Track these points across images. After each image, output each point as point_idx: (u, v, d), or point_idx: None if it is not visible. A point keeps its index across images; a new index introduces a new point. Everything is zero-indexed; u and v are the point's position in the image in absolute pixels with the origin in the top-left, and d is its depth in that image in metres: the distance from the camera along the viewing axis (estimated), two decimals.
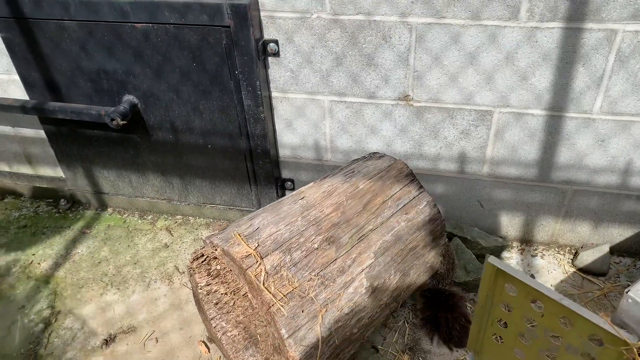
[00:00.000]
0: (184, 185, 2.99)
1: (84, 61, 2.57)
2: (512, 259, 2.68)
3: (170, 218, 3.15)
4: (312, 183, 2.24)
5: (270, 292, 1.74)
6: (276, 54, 2.38)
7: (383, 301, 1.99)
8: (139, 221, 3.16)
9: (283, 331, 1.71)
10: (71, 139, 2.95)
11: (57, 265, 2.90)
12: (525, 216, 2.59)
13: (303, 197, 2.09)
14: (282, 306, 1.74)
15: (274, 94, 2.54)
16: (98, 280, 2.76)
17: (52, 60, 2.61)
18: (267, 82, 2.49)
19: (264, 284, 1.75)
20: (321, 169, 2.80)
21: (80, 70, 2.61)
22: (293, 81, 2.46)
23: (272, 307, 1.73)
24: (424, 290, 2.31)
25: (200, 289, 2.11)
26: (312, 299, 1.80)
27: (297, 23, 2.25)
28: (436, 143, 2.50)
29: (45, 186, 3.28)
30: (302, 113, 2.60)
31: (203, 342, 2.38)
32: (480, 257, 2.56)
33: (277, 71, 2.44)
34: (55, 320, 2.58)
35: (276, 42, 2.34)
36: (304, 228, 1.93)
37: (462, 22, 2.09)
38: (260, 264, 1.80)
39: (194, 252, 2.02)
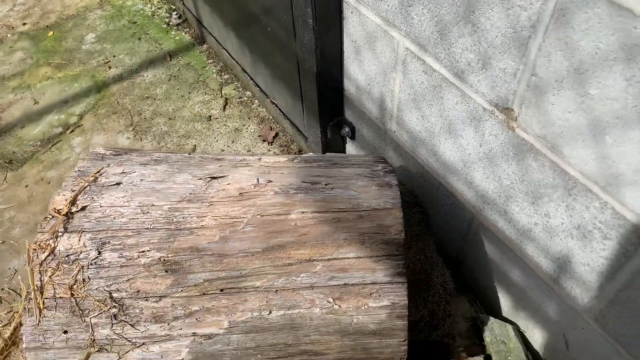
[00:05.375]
0: (253, 61, 2.33)
1: None
2: None
3: (239, 90, 2.59)
4: (258, 157, 1.39)
5: (37, 281, 1.16)
6: None
7: None
8: (214, 76, 2.68)
9: (23, 338, 1.16)
10: None
11: (120, 78, 2.71)
12: None
13: (217, 177, 1.30)
14: (39, 304, 1.16)
15: None
16: (128, 116, 2.50)
17: None
18: None
19: (40, 266, 1.17)
20: (383, 138, 1.81)
21: None
22: None
23: (30, 301, 1.17)
24: None
25: None
26: (89, 325, 1.16)
27: None
28: (532, 212, 1.29)
29: None
30: (372, 46, 1.57)
31: None
32: None
33: None
34: (71, 132, 2.46)
35: None
36: (149, 226, 1.20)
37: None
38: (56, 235, 1.19)
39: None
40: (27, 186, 2.21)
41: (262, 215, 1.20)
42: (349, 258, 1.18)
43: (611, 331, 1.22)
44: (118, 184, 1.28)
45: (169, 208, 1.22)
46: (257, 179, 1.27)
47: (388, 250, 1.18)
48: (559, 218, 1.21)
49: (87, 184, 1.28)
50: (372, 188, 1.26)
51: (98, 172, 1.33)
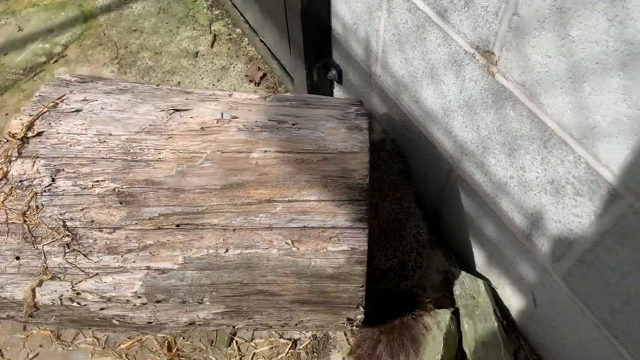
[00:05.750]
0: None
1: None
2: None
3: (229, 27, 2.49)
4: (229, 93, 1.33)
5: None
6: None
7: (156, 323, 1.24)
8: (204, 11, 2.57)
9: None
10: None
11: (108, 9, 2.60)
12: None
13: (186, 109, 1.24)
14: None
15: None
16: (114, 48, 2.41)
17: None
18: None
19: None
20: (368, 83, 1.73)
21: None
22: None
23: None
24: None
25: None
26: (41, 252, 1.14)
27: None
28: (508, 165, 1.23)
29: None
30: None
31: None
32: None
33: None
34: (55, 62, 2.39)
35: None
36: (105, 155, 1.15)
37: None
38: (9, 160, 1.15)
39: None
40: (6, 114, 2.17)
41: (223, 152, 1.15)
42: (310, 201, 1.14)
43: (577, 290, 1.19)
44: (78, 111, 1.23)
45: (126, 138, 1.17)
46: (222, 114, 1.21)
47: (351, 195, 1.13)
48: (534, 172, 1.15)
49: (46, 109, 1.23)
50: (341, 130, 1.20)
51: (59, 98, 1.27)
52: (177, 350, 1.60)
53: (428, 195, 1.71)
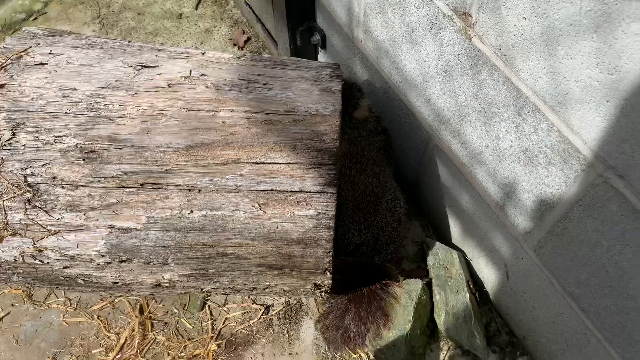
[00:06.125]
0: None
1: None
2: None
3: None
4: (202, 51, 1.28)
5: None
6: None
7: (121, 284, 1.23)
8: None
9: None
10: None
11: None
12: None
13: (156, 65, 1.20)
14: None
15: None
16: (96, 7, 2.34)
17: None
18: None
19: None
20: (351, 49, 1.68)
21: None
22: None
23: None
24: None
25: None
26: (1, 208, 1.12)
27: None
28: (483, 133, 1.21)
29: None
30: None
31: None
32: None
33: None
34: (34, 19, 2.32)
35: None
36: (68, 110, 1.12)
37: None
38: None
39: None
40: None
41: (189, 110, 1.11)
42: (278, 163, 1.11)
43: (547, 262, 1.18)
44: (42, 64, 1.19)
45: (91, 94, 1.13)
46: (190, 71, 1.17)
47: (320, 159, 1.11)
48: (508, 140, 1.12)
49: (9, 61, 1.18)
50: (314, 92, 1.17)
51: (24, 50, 1.23)
52: (149, 313, 1.60)
53: (407, 166, 1.69)
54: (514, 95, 1.04)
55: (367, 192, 1.50)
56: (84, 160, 1.10)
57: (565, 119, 0.93)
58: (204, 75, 1.17)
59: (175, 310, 1.60)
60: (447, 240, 1.66)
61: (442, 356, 1.48)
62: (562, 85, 0.90)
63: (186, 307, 1.61)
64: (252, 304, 1.61)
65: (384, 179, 1.55)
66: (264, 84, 1.17)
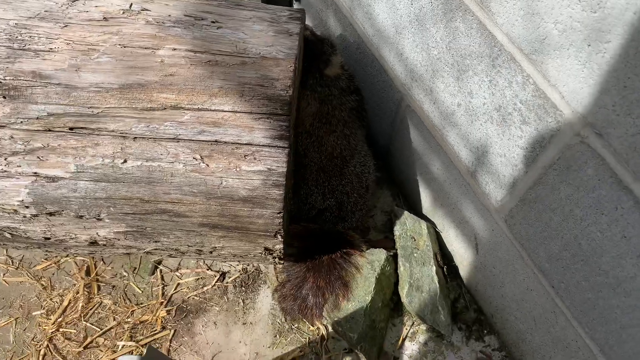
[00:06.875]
0: None
1: None
2: None
3: None
4: None
5: None
6: None
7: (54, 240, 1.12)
8: None
9: None
10: None
11: None
12: None
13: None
14: None
15: None
16: None
17: None
18: None
19: None
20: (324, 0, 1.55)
21: None
22: None
23: None
24: None
25: None
26: None
27: None
28: (456, 90, 1.09)
29: None
30: None
31: None
32: None
33: None
34: None
35: None
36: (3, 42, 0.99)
37: None
38: None
39: None
40: None
41: (125, 47, 0.99)
42: (223, 111, 0.99)
43: (518, 234, 1.09)
44: None
45: (15, 24, 1.00)
46: (131, 4, 1.04)
47: (271, 108, 0.99)
48: (481, 97, 1.01)
49: None
50: (268, 34, 1.04)
51: None
52: (97, 275, 1.49)
53: (380, 131, 1.58)
54: (489, 44, 0.92)
55: (335, 155, 1.39)
56: (4, 97, 0.97)
57: (542, 69, 0.82)
58: (146, 9, 1.04)
59: (125, 274, 1.50)
60: (418, 211, 1.56)
61: (405, 331, 1.40)
62: (539, 29, 0.79)
63: (136, 270, 1.51)
64: (207, 270, 1.51)
65: (354, 142, 1.43)
66: (213, 22, 1.04)
